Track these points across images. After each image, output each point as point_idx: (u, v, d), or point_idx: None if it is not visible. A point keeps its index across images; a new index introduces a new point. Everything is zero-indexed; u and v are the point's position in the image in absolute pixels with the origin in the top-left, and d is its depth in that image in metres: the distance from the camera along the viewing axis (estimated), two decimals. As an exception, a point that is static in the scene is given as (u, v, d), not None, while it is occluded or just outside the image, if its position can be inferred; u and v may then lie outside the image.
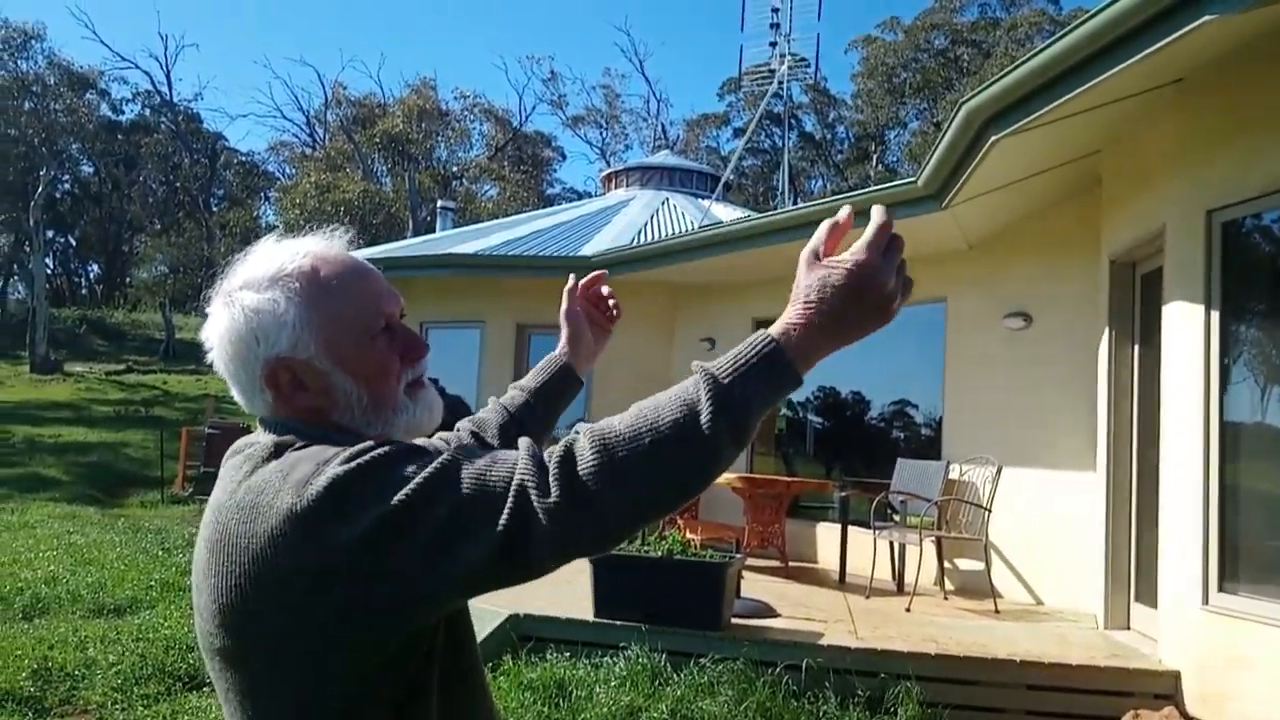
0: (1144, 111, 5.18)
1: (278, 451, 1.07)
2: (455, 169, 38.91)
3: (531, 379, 1.63)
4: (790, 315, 1.02)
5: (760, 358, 0.99)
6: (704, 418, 0.95)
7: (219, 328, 1.15)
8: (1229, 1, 3.43)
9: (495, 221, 14.91)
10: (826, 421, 9.40)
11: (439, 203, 16.21)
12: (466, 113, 40.04)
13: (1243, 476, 4.61)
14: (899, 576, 7.02)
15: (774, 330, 1.01)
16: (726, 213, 12.46)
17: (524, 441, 1.00)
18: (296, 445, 1.07)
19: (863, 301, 1.01)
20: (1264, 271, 4.74)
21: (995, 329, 7.08)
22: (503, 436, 1.54)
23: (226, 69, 74.07)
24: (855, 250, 1.03)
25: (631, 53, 59.14)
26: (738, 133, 38.69)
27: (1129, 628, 5.73)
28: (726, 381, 0.97)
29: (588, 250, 9.97)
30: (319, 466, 0.99)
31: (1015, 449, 6.72)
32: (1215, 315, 4.64)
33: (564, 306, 1.62)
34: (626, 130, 43.50)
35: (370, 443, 1.02)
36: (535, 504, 0.93)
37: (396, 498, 0.95)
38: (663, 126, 42.14)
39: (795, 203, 33.91)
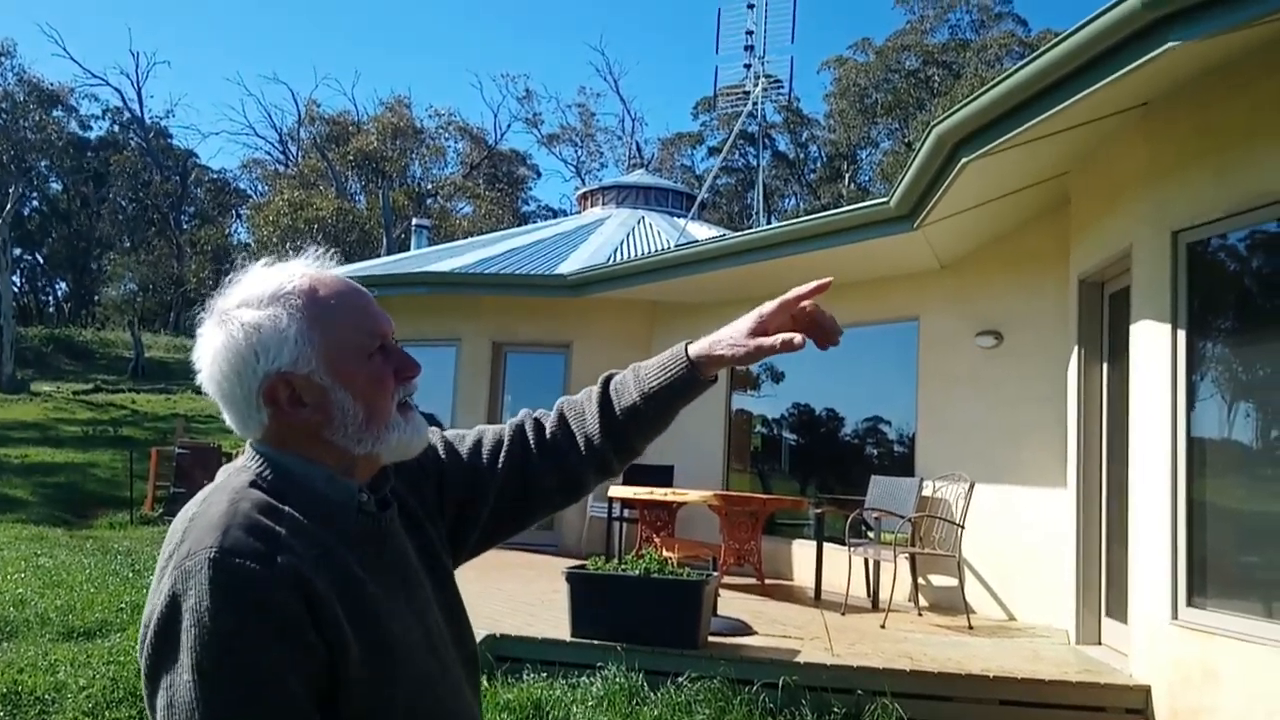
0: (1111, 134, 5.29)
1: (217, 488, 1.14)
2: (430, 186, 38.88)
3: (653, 375, 1.39)
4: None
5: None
6: None
7: (213, 346, 1.16)
8: (1190, 29, 3.52)
9: (471, 240, 14.91)
10: (801, 439, 9.46)
11: (414, 220, 16.18)
12: (441, 130, 40.07)
13: (1210, 492, 4.68)
14: (874, 593, 7.06)
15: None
16: (703, 231, 12.54)
17: None
18: (223, 492, 1.12)
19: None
20: (1228, 291, 4.84)
21: (967, 347, 7.16)
22: (574, 454, 1.43)
23: (199, 86, 73.75)
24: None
25: (606, 71, 59.42)
26: (712, 151, 38.94)
27: (1100, 643, 5.79)
28: None
29: (564, 268, 9.99)
30: (189, 554, 1.04)
31: (987, 466, 6.80)
32: (1182, 334, 4.72)
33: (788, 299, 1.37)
34: (601, 148, 43.65)
35: (249, 601, 1.02)
36: None
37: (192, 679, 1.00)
38: (637, 145, 42.33)
39: (769, 221, 34.14)
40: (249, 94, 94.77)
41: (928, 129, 5.21)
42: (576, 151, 43.64)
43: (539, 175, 45.09)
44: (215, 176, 44.58)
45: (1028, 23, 32.55)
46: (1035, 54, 4.29)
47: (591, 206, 14.63)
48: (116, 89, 48.18)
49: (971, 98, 4.78)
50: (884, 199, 6.35)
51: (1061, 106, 4.25)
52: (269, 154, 43.66)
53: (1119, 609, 5.62)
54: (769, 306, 1.34)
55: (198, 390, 1.28)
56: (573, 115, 43.28)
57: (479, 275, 9.92)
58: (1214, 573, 4.62)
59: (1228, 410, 4.80)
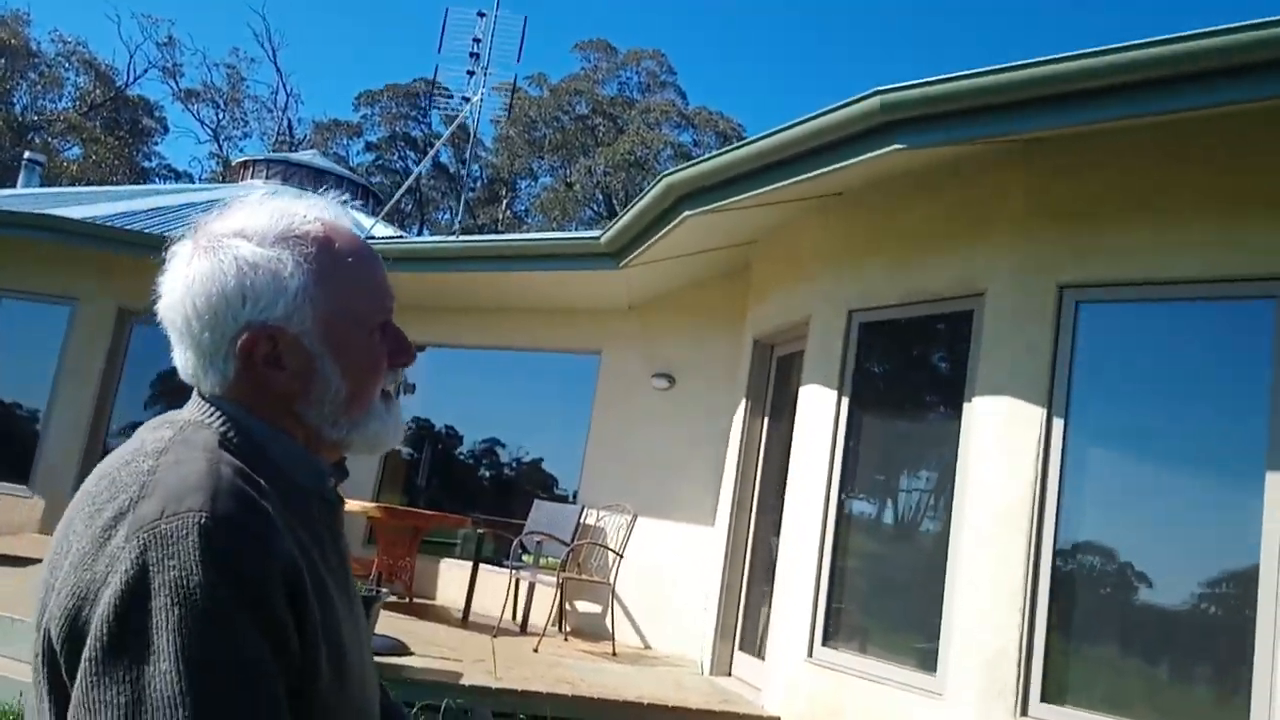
0: (803, 214, 5.85)
1: (180, 443, 0.91)
2: (36, 118, 33.61)
3: None
4: None
5: None
6: None
7: (190, 274, 0.96)
8: (918, 136, 4.02)
9: (105, 189, 13.09)
10: (464, 459, 9.32)
11: (27, 155, 13.86)
12: (62, 59, 34.87)
13: (851, 547, 5.29)
14: (524, 617, 7.10)
15: None
16: (380, 230, 12.03)
17: None
18: (192, 449, 0.90)
19: None
20: (890, 369, 5.53)
21: (643, 386, 7.51)
22: None
23: None
24: None
25: (265, 38, 55.16)
26: (370, 146, 37.67)
27: (730, 674, 6.27)
28: None
29: (224, 241, 9.07)
30: (163, 515, 0.82)
31: (648, 500, 7.14)
32: (845, 401, 5.32)
33: None
34: (248, 117, 40.37)
35: (246, 558, 0.83)
36: None
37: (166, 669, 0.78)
38: (290, 122, 39.76)
39: (422, 230, 33.58)
40: None
41: (658, 177, 5.45)
42: (218, 114, 40.03)
43: (167, 130, 40.59)
44: None
45: (687, 96, 35.28)
46: (774, 130, 4.66)
47: (251, 178, 13.48)
48: None
49: (707, 157, 5.08)
50: (596, 234, 6.51)
51: (790, 181, 4.66)
52: None
53: (751, 644, 6.13)
54: None
55: None
56: (220, 75, 39.70)
57: (123, 231, 8.69)
58: (846, 619, 5.20)
59: (874, 475, 5.47)
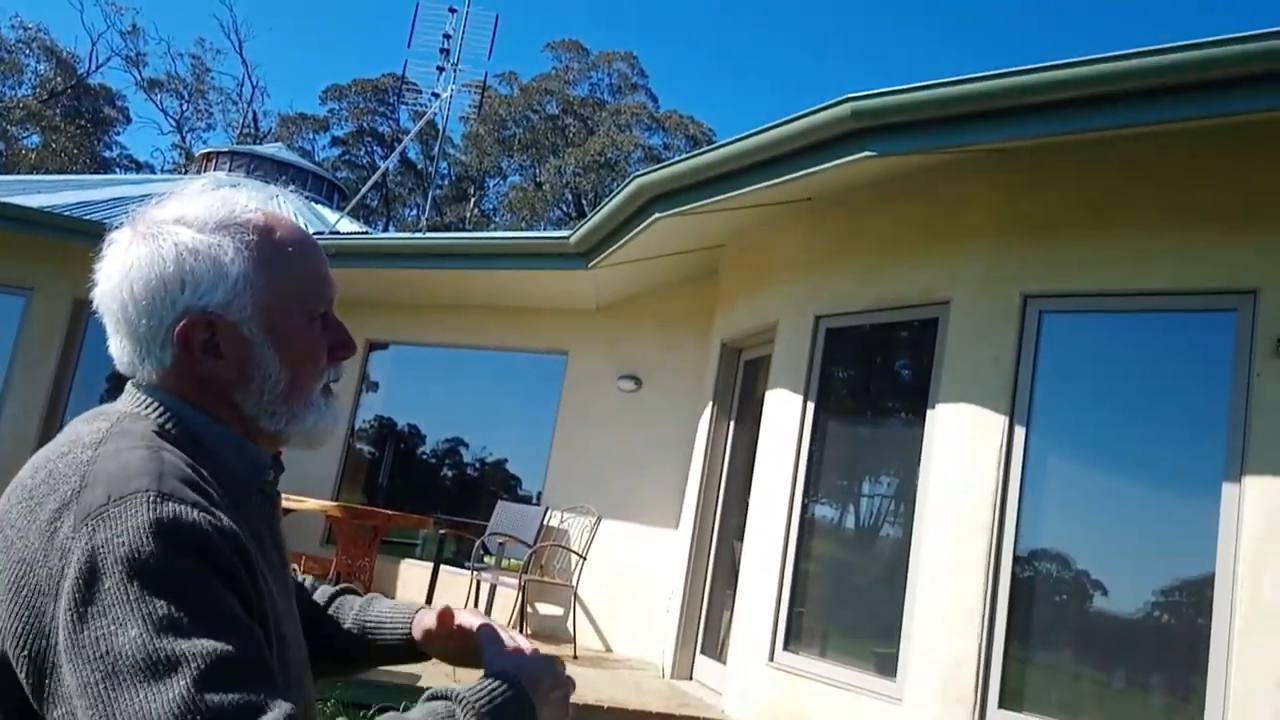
0: (773, 219, 5.86)
1: (118, 434, 0.90)
2: (-7, 104, 32.89)
3: (378, 624, 1.26)
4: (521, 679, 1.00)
5: (512, 700, 0.95)
6: None
7: (129, 259, 0.95)
8: (887, 144, 4.04)
9: (65, 177, 12.86)
10: (426, 459, 9.23)
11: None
12: (23, 45, 34.16)
13: (814, 553, 5.30)
14: (484, 618, 7.04)
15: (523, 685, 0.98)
16: (345, 225, 11.91)
17: None
18: (130, 439, 0.89)
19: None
20: (854, 374, 5.56)
21: (609, 387, 7.49)
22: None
23: None
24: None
25: (232, 30, 54.47)
26: (336, 141, 37.32)
27: (691, 678, 6.26)
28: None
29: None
30: (110, 502, 0.81)
31: (612, 502, 7.11)
32: (810, 406, 5.33)
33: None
34: (212, 109, 39.80)
35: (202, 531, 0.82)
36: None
37: (146, 640, 0.76)
38: (255, 114, 39.26)
39: (388, 226, 33.32)
40: None
41: (630, 178, 5.43)
42: (181, 105, 39.43)
43: (129, 121, 39.93)
44: None
45: (658, 99, 35.31)
46: (746, 134, 4.66)
47: (214, 170, 13.28)
48: None
49: (680, 159, 5.08)
50: (566, 233, 6.48)
51: (761, 185, 4.66)
52: None
53: (713, 647, 6.13)
54: (433, 621, 1.20)
55: None
56: (184, 65, 39.10)
57: (84, 222, 8.50)
58: (807, 623, 5.22)
59: (837, 481, 5.49)
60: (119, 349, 0.99)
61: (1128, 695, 4.34)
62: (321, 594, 1.30)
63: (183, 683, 0.74)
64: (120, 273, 0.96)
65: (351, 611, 1.26)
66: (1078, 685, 4.39)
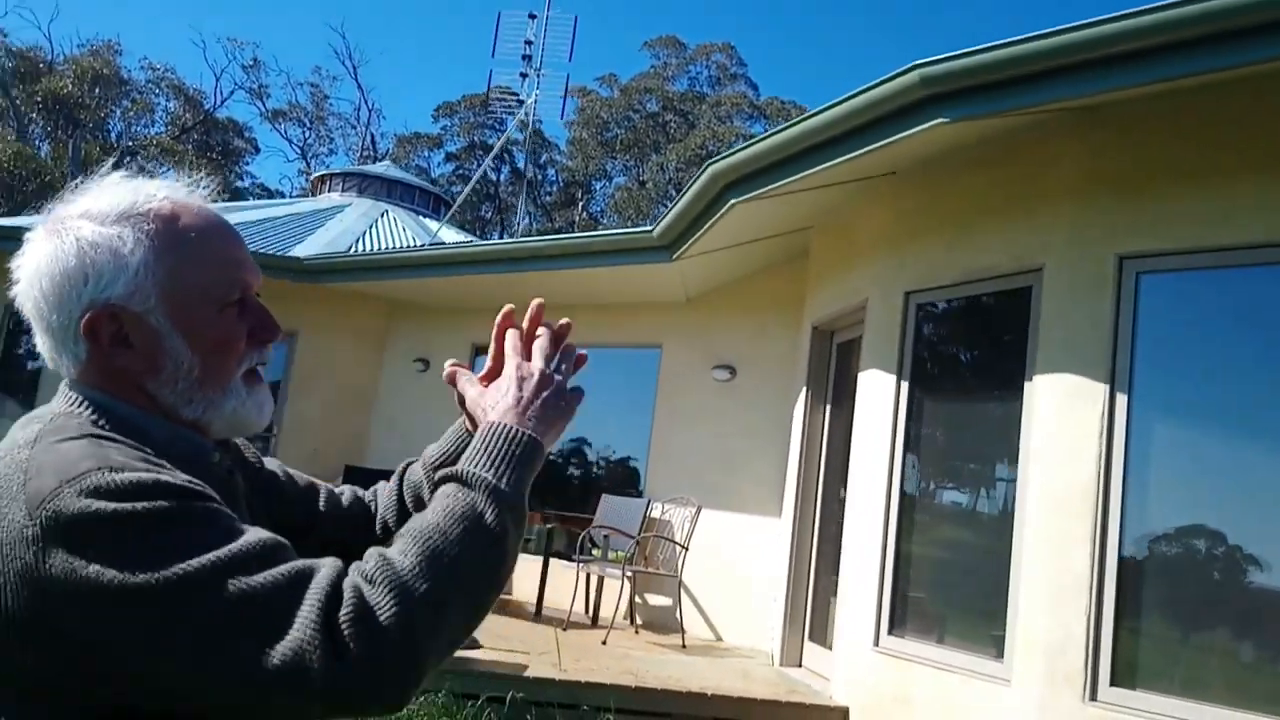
0: (857, 196, 5.75)
1: (51, 431, 0.91)
2: (131, 144, 35.17)
3: (437, 449, 1.34)
4: (502, 414, 1.04)
5: (519, 446, 1.00)
6: (492, 522, 0.92)
7: (38, 257, 0.97)
8: (958, 109, 3.92)
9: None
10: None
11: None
12: (153, 85, 36.39)
13: (915, 534, 5.18)
14: (595, 610, 7.15)
15: (508, 420, 1.03)
16: (449, 235, 12.28)
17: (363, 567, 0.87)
18: (65, 434, 0.90)
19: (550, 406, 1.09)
20: (947, 349, 5.41)
21: (704, 378, 7.49)
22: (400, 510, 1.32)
23: None
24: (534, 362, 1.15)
25: (346, 56, 56.76)
26: (450, 157, 38.33)
27: (801, 665, 6.21)
28: (500, 483, 0.96)
29: (300, 251, 9.38)
30: (62, 485, 0.82)
31: (712, 492, 7.12)
32: (905, 385, 5.21)
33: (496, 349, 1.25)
34: (333, 134, 41.52)
35: (169, 480, 0.85)
36: (318, 673, 0.79)
37: (161, 573, 0.79)
38: (373, 137, 40.74)
39: (502, 236, 34.08)
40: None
41: (703, 166, 5.42)
42: (304, 133, 41.25)
43: (258, 151, 42.01)
44: None
45: (758, 87, 34.98)
46: (815, 110, 4.60)
47: (330, 191, 13.87)
48: None
49: (750, 143, 5.04)
50: (648, 228, 6.52)
51: (833, 162, 4.58)
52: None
53: (820, 634, 6.06)
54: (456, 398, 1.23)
55: None
56: (304, 94, 40.93)
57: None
58: (913, 606, 5.10)
59: (935, 462, 5.35)
60: (41, 345, 1.01)
61: (1258, 669, 4.08)
62: (389, 489, 1.35)
63: (238, 581, 0.80)
64: (32, 269, 0.98)
65: (423, 467, 1.33)
66: (1201, 660, 4.16)
